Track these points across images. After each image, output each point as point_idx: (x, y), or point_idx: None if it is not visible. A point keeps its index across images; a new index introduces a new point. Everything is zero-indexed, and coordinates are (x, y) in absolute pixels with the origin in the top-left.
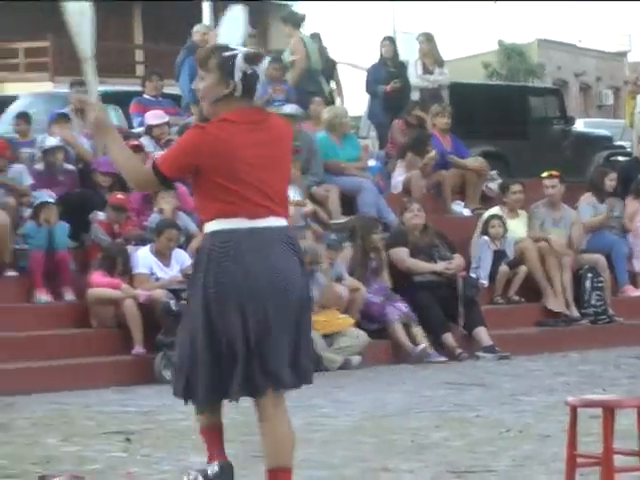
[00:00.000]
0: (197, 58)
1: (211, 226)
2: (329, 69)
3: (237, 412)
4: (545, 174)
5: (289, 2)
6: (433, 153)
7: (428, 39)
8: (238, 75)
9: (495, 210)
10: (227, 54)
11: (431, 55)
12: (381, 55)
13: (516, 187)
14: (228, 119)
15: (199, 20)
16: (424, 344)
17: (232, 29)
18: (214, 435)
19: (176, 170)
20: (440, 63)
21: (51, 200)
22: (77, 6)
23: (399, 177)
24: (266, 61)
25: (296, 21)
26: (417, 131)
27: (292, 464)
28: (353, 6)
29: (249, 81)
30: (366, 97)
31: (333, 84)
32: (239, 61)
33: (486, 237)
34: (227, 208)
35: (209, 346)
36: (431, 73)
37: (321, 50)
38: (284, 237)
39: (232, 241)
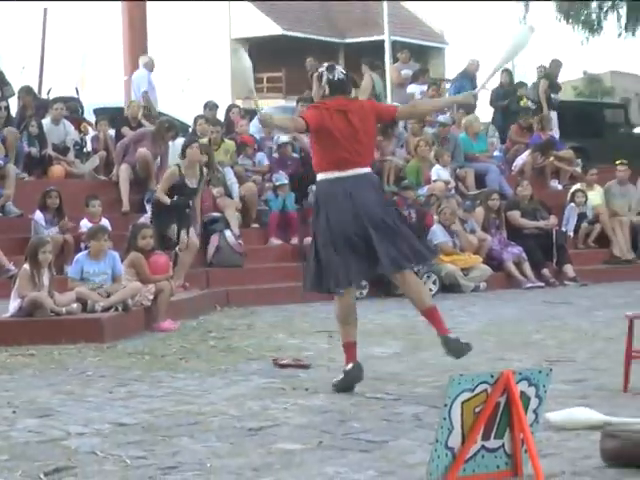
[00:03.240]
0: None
1: None
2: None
3: None
4: (618, 162)
5: (442, 46)
6: (552, 159)
7: (543, 69)
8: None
9: (579, 185)
10: (319, 70)
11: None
12: (500, 81)
13: (593, 170)
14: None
15: (383, 56)
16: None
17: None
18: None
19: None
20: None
21: (286, 182)
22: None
23: (520, 161)
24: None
25: (373, 66)
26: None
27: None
28: (475, 44)
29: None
30: (491, 110)
31: None
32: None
33: (573, 204)
34: None
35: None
36: None
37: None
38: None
39: None
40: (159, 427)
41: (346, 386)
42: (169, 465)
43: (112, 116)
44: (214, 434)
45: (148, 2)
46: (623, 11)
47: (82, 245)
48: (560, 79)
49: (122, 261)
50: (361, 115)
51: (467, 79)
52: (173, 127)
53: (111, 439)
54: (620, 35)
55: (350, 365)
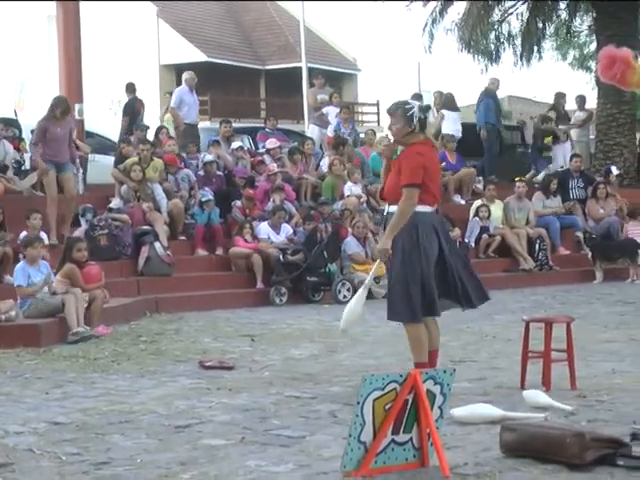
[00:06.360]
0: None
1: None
2: None
3: None
4: (517, 178)
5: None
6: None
7: (440, 94)
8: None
9: (481, 201)
10: (408, 107)
11: (441, 105)
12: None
13: (491, 187)
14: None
15: (301, 81)
16: None
17: None
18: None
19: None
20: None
21: (211, 197)
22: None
23: None
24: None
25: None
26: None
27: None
28: (386, 70)
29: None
30: None
31: None
32: (416, 111)
33: (477, 218)
34: None
35: None
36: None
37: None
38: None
39: None
40: (92, 425)
41: None
42: (102, 461)
43: None
44: (144, 431)
45: (82, 29)
46: (518, 42)
47: (20, 255)
48: (462, 103)
49: (56, 270)
50: None
51: (490, 97)
52: None
53: (47, 437)
54: (516, 64)
55: None
